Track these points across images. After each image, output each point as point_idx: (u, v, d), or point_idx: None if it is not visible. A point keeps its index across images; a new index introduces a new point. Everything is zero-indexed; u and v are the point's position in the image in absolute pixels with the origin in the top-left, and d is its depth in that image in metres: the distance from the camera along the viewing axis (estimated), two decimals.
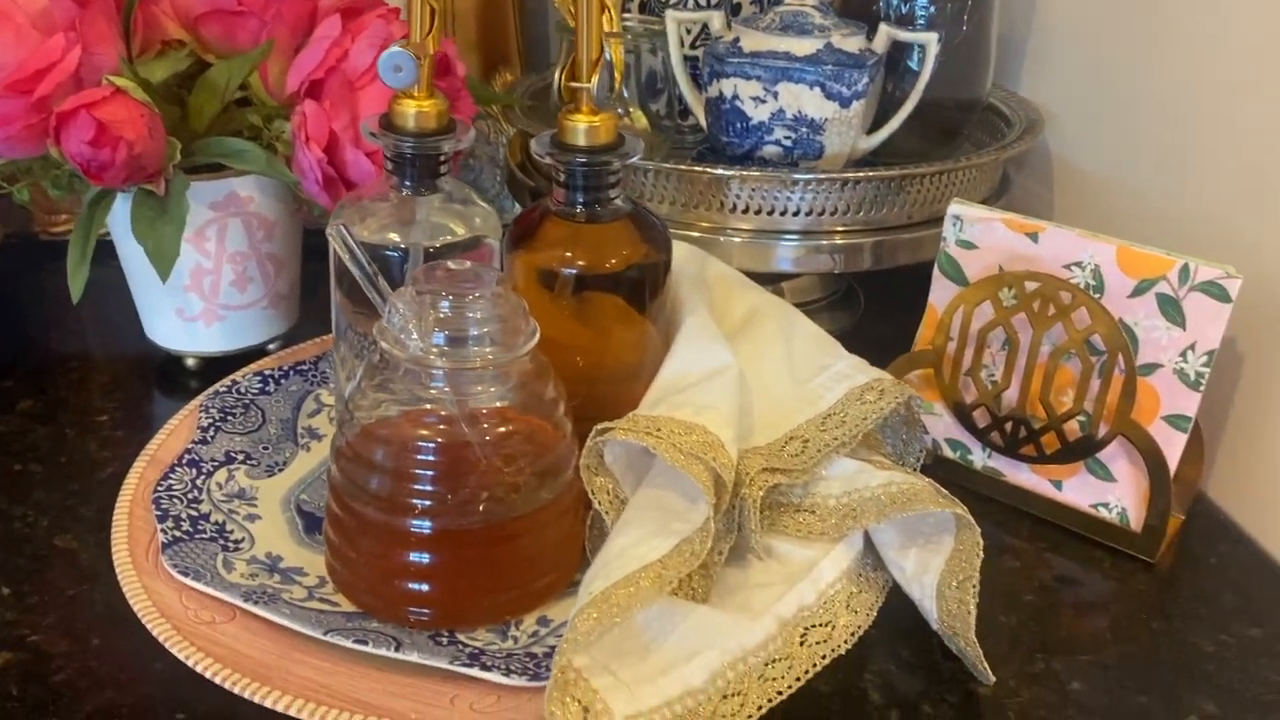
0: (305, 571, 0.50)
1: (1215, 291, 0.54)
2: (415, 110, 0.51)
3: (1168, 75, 0.65)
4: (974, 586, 0.48)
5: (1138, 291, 0.56)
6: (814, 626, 0.48)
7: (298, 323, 0.71)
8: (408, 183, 0.52)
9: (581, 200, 0.51)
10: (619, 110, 0.73)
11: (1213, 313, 0.54)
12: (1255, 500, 0.59)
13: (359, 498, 0.46)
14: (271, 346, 0.70)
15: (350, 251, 0.47)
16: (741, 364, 0.55)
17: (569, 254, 0.52)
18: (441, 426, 0.46)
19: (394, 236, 0.53)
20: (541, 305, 0.52)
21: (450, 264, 0.47)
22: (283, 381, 0.63)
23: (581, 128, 0.50)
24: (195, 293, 0.66)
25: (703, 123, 0.70)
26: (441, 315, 0.45)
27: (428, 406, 0.46)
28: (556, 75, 0.49)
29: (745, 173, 0.63)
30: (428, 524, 0.45)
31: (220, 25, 0.62)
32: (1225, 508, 0.61)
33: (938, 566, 0.49)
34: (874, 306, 0.80)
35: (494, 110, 0.83)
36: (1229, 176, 0.61)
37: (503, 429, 0.46)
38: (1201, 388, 0.55)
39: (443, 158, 0.52)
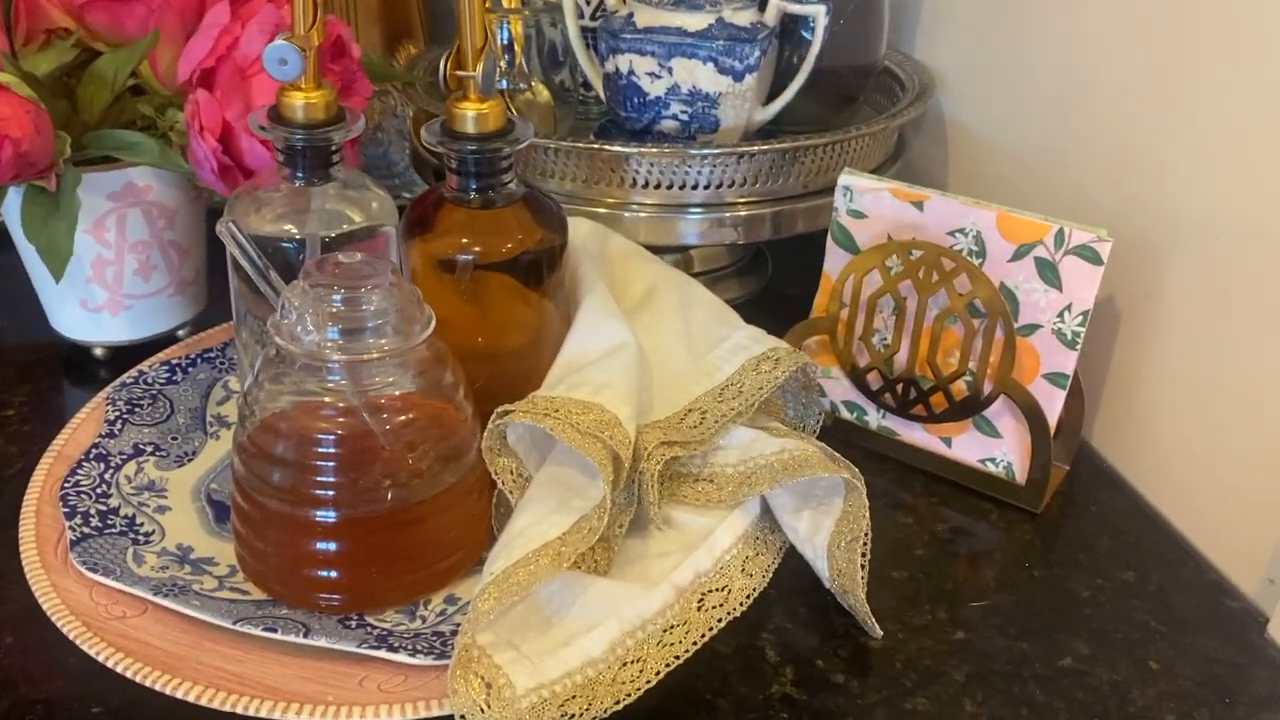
0: (216, 561, 0.51)
1: (1088, 254, 0.56)
2: (303, 102, 0.51)
3: (1056, 39, 0.68)
4: (863, 546, 0.50)
5: (1017, 256, 0.58)
6: (710, 591, 0.50)
7: (206, 307, 0.72)
8: (300, 174, 0.53)
9: (474, 187, 0.52)
10: (521, 85, 0.73)
11: (1087, 275, 0.56)
12: (1133, 448, 0.63)
13: (263, 490, 0.47)
14: (181, 333, 0.70)
15: (241, 248, 0.48)
16: (640, 339, 0.57)
17: (465, 240, 0.53)
18: (341, 419, 0.47)
19: (289, 227, 0.53)
20: (439, 289, 0.53)
21: (341, 256, 0.47)
22: (190, 370, 0.64)
23: (470, 115, 0.51)
24: (98, 283, 0.66)
25: (602, 95, 0.71)
26: (334, 309, 0.46)
27: (327, 400, 0.47)
28: (442, 64, 0.50)
29: (643, 149, 0.64)
30: (333, 514, 0.47)
31: (106, 13, 0.62)
32: (1107, 456, 0.64)
33: (828, 528, 0.52)
34: (782, 270, 0.82)
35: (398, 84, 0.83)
36: (1108, 141, 0.63)
37: (404, 417, 0.47)
38: (1078, 347, 0.57)
39: (334, 148, 0.53)
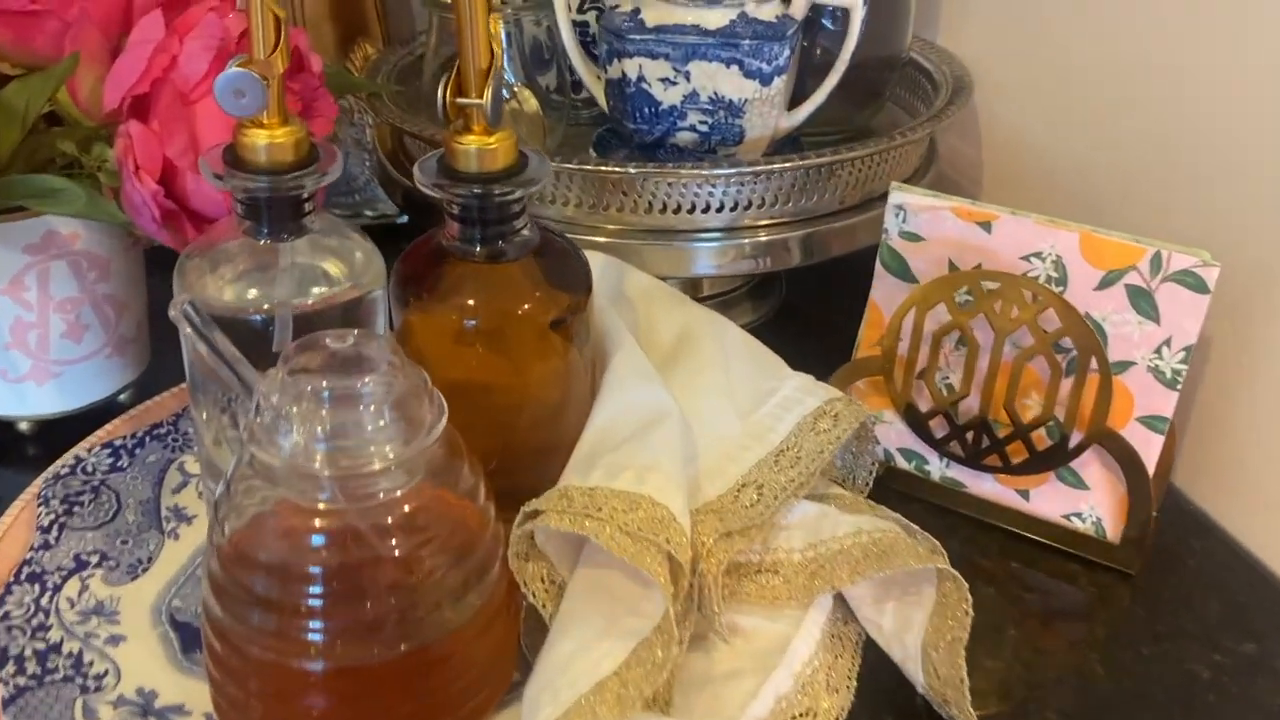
0: (188, 710, 0.42)
1: (1191, 281, 0.49)
2: (267, 142, 0.41)
3: (1116, 17, 0.59)
4: (963, 647, 0.43)
5: (1105, 283, 0.50)
6: (796, 717, 0.42)
7: (150, 366, 0.61)
8: (265, 229, 0.43)
9: (481, 237, 0.43)
10: (503, 93, 0.64)
11: (1189, 304, 0.49)
12: (1226, 490, 0.55)
13: (240, 633, 0.38)
14: (122, 398, 0.60)
15: (202, 336, 0.38)
16: (678, 397, 0.48)
17: (472, 302, 0.43)
18: (336, 543, 0.37)
19: (254, 293, 0.44)
20: (443, 349, 0.44)
21: (328, 339, 0.38)
22: (137, 452, 0.54)
23: (474, 150, 0.41)
24: (20, 350, 0.55)
25: (603, 104, 0.62)
26: (323, 408, 0.37)
27: (316, 524, 0.37)
28: (441, 92, 0.40)
29: (664, 169, 0.55)
30: (321, 665, 0.37)
31: (10, 29, 0.51)
32: (1193, 496, 0.57)
33: (920, 622, 0.44)
34: (795, 285, 0.73)
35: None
36: (1185, 141, 0.56)
37: (416, 537, 0.38)
38: (1179, 387, 0.50)
39: (306, 196, 0.43)
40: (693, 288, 0.66)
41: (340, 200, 0.78)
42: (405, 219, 0.74)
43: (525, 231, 0.44)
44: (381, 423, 0.37)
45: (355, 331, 0.38)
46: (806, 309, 0.72)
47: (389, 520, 0.38)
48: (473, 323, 0.43)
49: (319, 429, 0.36)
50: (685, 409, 0.48)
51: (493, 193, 0.41)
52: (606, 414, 0.46)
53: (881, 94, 0.69)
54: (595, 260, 0.54)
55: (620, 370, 0.47)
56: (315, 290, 0.44)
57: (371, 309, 0.45)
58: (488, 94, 0.40)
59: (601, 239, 0.58)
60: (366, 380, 0.37)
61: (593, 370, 0.49)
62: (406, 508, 0.38)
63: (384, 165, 0.66)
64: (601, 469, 0.43)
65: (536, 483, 0.44)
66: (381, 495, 0.37)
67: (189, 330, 0.39)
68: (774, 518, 0.46)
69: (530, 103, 0.65)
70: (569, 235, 0.56)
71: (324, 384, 0.36)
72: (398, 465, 0.37)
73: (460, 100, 0.40)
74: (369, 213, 0.79)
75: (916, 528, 0.47)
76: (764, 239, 0.59)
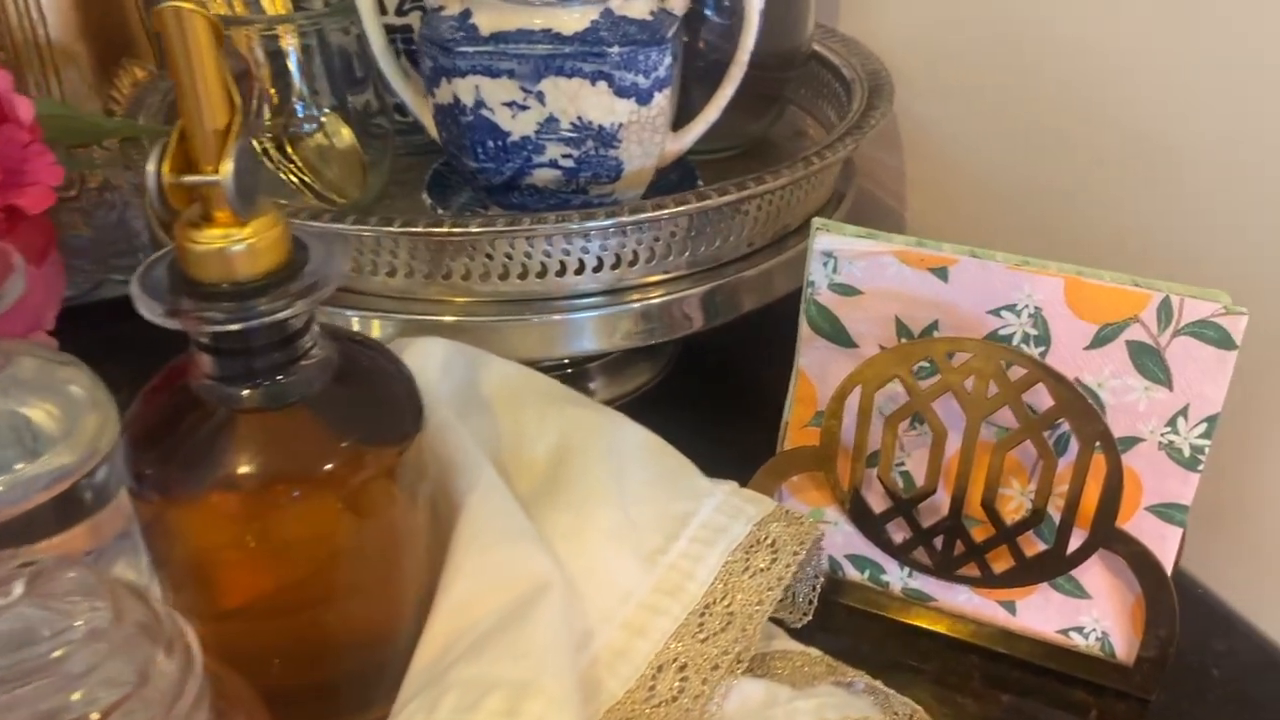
0: None
1: (1211, 335, 0.37)
2: None
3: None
4: None
5: (1100, 340, 0.39)
6: None
7: None
8: None
9: (246, 375, 0.29)
10: (302, 126, 0.49)
11: (1210, 363, 0.38)
12: (1246, 572, 0.45)
13: None
14: None
15: None
16: (560, 545, 0.35)
17: (243, 472, 0.29)
18: None
19: None
20: (202, 549, 0.30)
21: (19, 564, 0.24)
22: None
23: (219, 253, 0.27)
24: None
25: (433, 133, 0.47)
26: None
27: None
28: (151, 166, 0.26)
29: (514, 224, 0.41)
30: None
31: None
32: (1207, 581, 0.46)
33: None
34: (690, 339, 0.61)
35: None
36: (1184, 146, 0.45)
37: None
38: (1200, 467, 0.39)
39: None
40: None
41: (119, 263, 0.62)
42: None
43: (315, 352, 0.30)
44: (95, 699, 0.23)
45: (36, 561, 0.24)
46: (706, 355, 0.59)
47: None
48: (241, 505, 0.29)
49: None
50: (571, 562, 0.35)
51: (255, 311, 0.27)
52: (459, 593, 0.33)
53: (780, 96, 0.56)
54: (434, 351, 0.41)
55: (475, 522, 0.34)
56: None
57: (102, 495, 0.30)
58: (227, 164, 0.26)
59: (449, 317, 0.44)
60: (66, 638, 0.23)
61: (435, 517, 0.35)
62: None
63: (154, 229, 0.50)
64: (456, 692, 0.30)
65: (367, 692, 0.30)
66: None
67: None
68: (704, 710, 0.34)
69: (343, 135, 0.50)
70: (402, 316, 0.42)
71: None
72: None
73: (186, 179, 0.26)
74: None
75: (892, 694, 0.35)
76: (656, 301, 0.46)
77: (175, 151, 0.26)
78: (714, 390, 0.58)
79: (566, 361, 0.56)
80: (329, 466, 0.30)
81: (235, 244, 0.27)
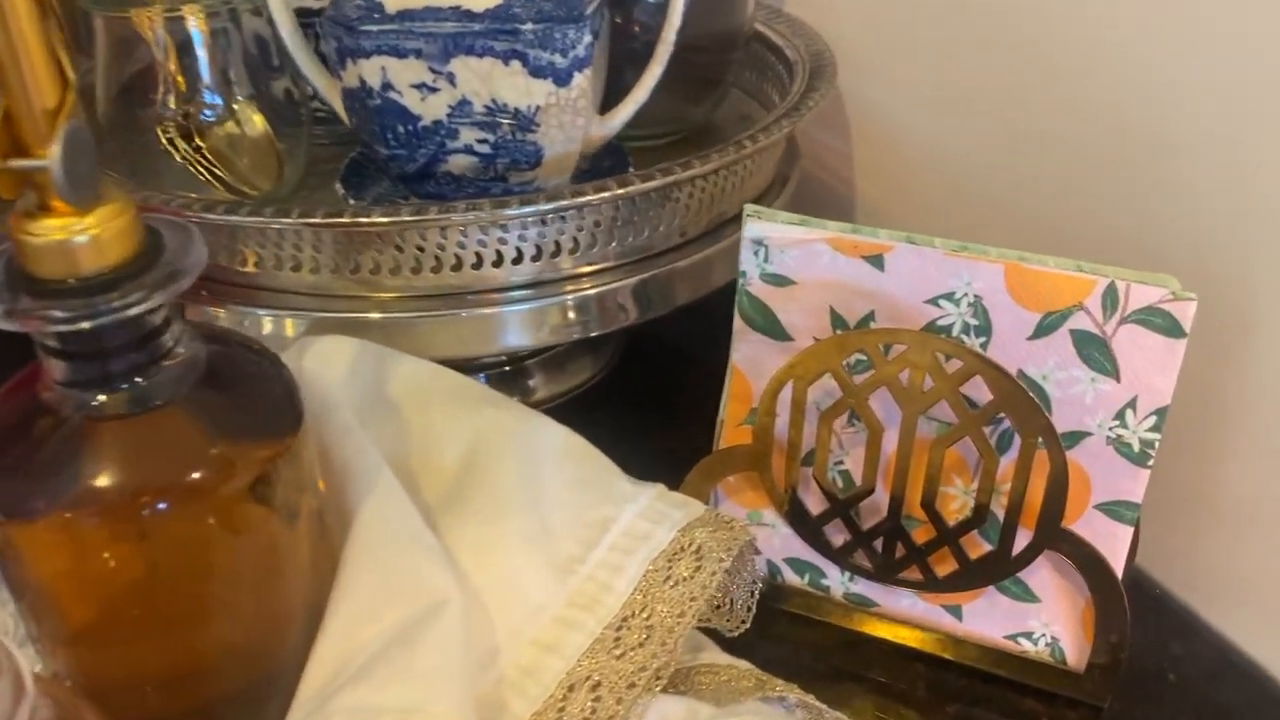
0: None
1: (1159, 322, 0.35)
2: None
3: None
4: None
5: (1043, 330, 0.37)
6: None
7: None
8: None
9: (102, 379, 0.26)
10: (206, 113, 0.47)
11: (1157, 353, 0.36)
12: (1205, 573, 0.43)
13: None
14: None
15: None
16: (467, 559, 0.33)
17: (101, 483, 0.27)
18: None
19: None
20: (60, 573, 0.28)
21: None
22: None
23: (59, 245, 0.25)
24: None
25: (346, 120, 0.45)
26: None
27: None
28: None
29: (422, 214, 0.38)
30: None
31: None
32: (1164, 581, 0.44)
33: None
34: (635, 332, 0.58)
35: None
36: (1128, 133, 0.42)
37: None
38: (1150, 463, 0.37)
39: None
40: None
41: None
42: None
43: (179, 351, 0.27)
44: None
45: None
46: (663, 349, 0.57)
47: None
48: (100, 521, 0.26)
49: None
50: (478, 574, 0.33)
51: (105, 308, 0.25)
52: (349, 611, 0.30)
53: (721, 80, 0.54)
54: (340, 351, 0.38)
55: (368, 534, 0.32)
56: None
57: None
58: (55, 147, 0.23)
59: (374, 314, 0.42)
60: None
61: (324, 529, 0.33)
62: None
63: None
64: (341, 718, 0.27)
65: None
66: None
67: None
68: None
69: (255, 122, 0.48)
70: (323, 314, 0.40)
71: None
72: None
73: (12, 164, 0.24)
74: None
75: (825, 710, 0.33)
76: (589, 293, 0.43)
77: (1, 134, 0.24)
78: (660, 387, 0.56)
79: (504, 359, 0.54)
80: (197, 475, 0.27)
81: (77, 235, 0.25)
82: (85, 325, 0.25)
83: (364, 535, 0.32)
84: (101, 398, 0.27)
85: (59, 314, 0.25)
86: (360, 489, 0.33)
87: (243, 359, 0.29)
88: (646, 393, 0.55)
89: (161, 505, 0.27)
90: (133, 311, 0.25)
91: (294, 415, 0.29)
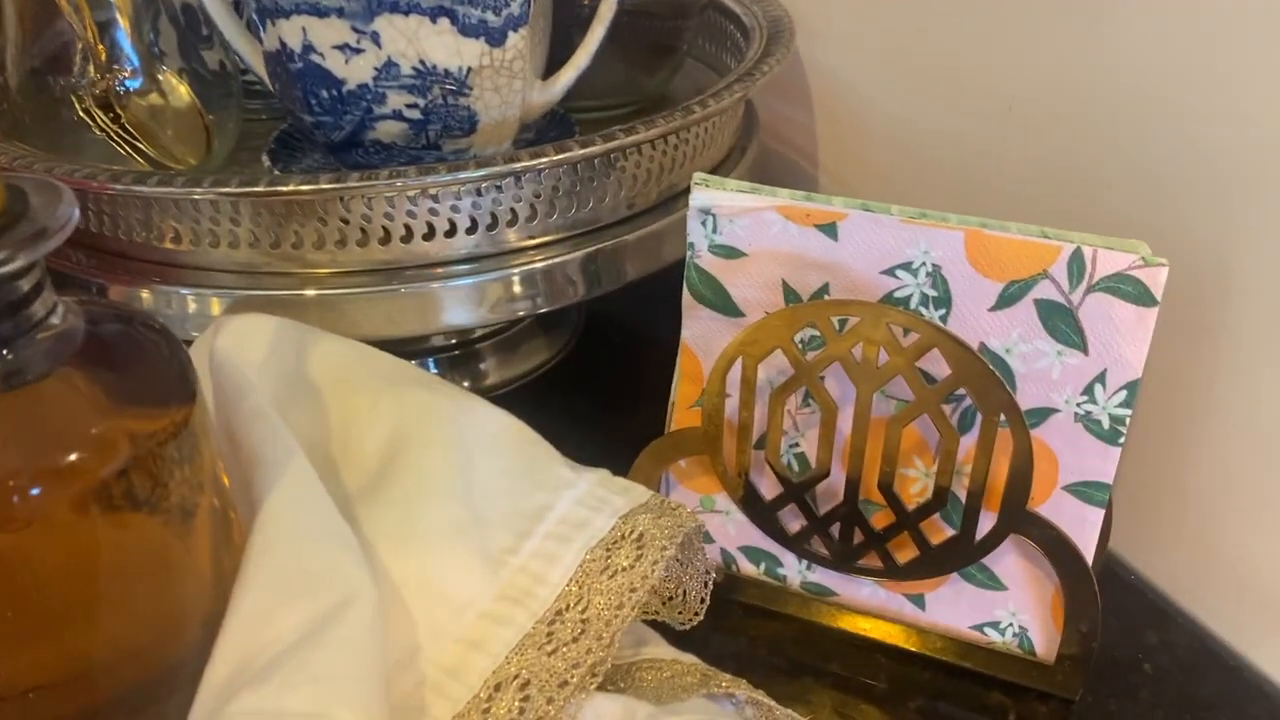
0: None
1: (1128, 290, 0.33)
2: None
3: None
4: None
5: (1006, 300, 0.35)
6: None
7: None
8: None
9: None
10: (124, 82, 0.44)
11: (1127, 323, 0.33)
12: (1179, 558, 0.41)
13: None
14: None
15: None
16: (385, 551, 0.31)
17: None
18: None
19: None
20: None
21: None
22: None
23: None
24: None
25: (269, 86, 0.42)
26: None
27: None
28: None
29: (349, 184, 0.36)
30: None
31: None
32: (1140, 568, 0.42)
33: None
34: (594, 314, 0.56)
35: None
36: (1102, 93, 0.40)
37: None
38: (1121, 440, 0.35)
39: None
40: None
41: None
42: None
43: (53, 323, 0.25)
44: None
45: None
46: (622, 329, 0.55)
47: None
48: None
49: None
50: (398, 567, 0.31)
51: None
52: (251, 607, 0.28)
53: (676, 48, 0.52)
54: (258, 329, 0.36)
55: (274, 524, 0.29)
56: None
57: None
58: None
59: (311, 290, 0.39)
60: None
61: (226, 519, 0.30)
62: None
63: None
64: (243, 717, 0.25)
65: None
66: None
67: None
68: None
69: (180, 93, 0.45)
70: (254, 292, 0.37)
71: None
72: None
73: None
74: None
75: (775, 706, 0.31)
76: (536, 265, 0.41)
77: None
78: (619, 371, 0.54)
79: (454, 342, 0.51)
80: (74, 457, 0.25)
81: None
82: None
83: (269, 527, 0.29)
84: None
85: None
86: (269, 478, 0.30)
87: (131, 334, 0.27)
88: (604, 377, 0.53)
89: (35, 490, 0.25)
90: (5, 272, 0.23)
91: (187, 395, 0.27)
